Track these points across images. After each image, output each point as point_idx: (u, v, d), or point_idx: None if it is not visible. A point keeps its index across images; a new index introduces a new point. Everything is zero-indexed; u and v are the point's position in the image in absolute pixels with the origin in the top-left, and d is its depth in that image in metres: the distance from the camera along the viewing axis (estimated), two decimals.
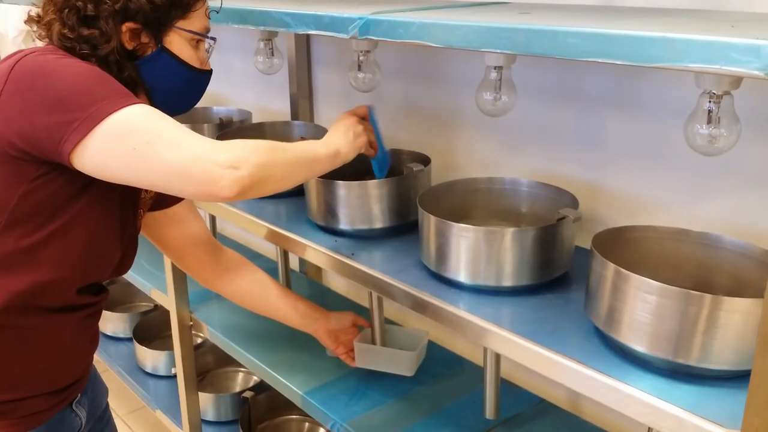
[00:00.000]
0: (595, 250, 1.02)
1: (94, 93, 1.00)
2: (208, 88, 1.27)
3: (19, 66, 1.04)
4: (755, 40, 0.70)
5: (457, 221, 1.17)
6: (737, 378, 0.92)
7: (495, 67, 1.25)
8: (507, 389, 1.55)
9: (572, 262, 1.24)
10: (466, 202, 1.40)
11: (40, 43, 1.18)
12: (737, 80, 0.93)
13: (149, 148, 0.98)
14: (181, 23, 1.16)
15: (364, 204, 1.39)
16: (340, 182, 1.38)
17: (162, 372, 2.44)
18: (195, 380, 2.10)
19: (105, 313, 2.61)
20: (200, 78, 1.23)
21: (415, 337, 1.63)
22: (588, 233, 1.16)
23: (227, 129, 1.90)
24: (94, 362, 1.35)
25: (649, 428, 1.12)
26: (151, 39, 1.15)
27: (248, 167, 1.00)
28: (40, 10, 1.16)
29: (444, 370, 1.66)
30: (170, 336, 2.07)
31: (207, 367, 2.43)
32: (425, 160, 1.48)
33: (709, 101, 0.97)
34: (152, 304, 2.79)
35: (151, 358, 2.45)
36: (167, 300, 2.02)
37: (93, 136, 0.98)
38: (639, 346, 0.95)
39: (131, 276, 2.25)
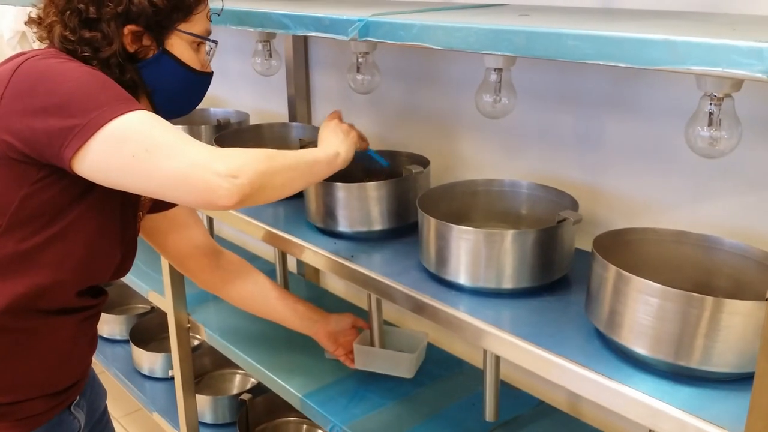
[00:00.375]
0: (596, 252, 1.02)
1: (95, 99, 1.00)
2: None
3: (21, 69, 1.03)
4: (758, 43, 0.70)
5: (457, 223, 1.17)
6: (739, 380, 0.92)
7: (495, 69, 1.25)
8: (506, 391, 1.55)
9: (572, 264, 1.23)
10: (466, 204, 1.40)
11: (36, 45, 1.17)
12: (738, 83, 0.93)
13: (148, 156, 0.98)
14: (182, 26, 1.16)
15: (363, 206, 1.39)
16: (339, 184, 1.38)
17: (159, 374, 2.43)
18: (192, 382, 2.09)
19: (102, 315, 2.60)
20: (201, 80, 1.23)
21: (414, 339, 1.63)
22: (588, 235, 1.16)
23: (225, 131, 1.90)
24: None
25: (650, 431, 1.12)
26: (153, 42, 1.14)
27: (247, 176, 1.00)
28: (40, 12, 1.16)
29: (443, 372, 1.66)
30: (167, 338, 2.07)
31: (204, 369, 2.42)
32: (424, 162, 1.48)
33: (710, 104, 0.97)
34: (149, 306, 2.78)
35: (148, 361, 2.44)
36: (164, 302, 2.02)
37: (93, 142, 0.98)
38: (640, 349, 0.95)
39: (128, 278, 2.24)
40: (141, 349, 2.44)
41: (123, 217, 1.20)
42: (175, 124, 1.07)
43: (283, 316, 1.57)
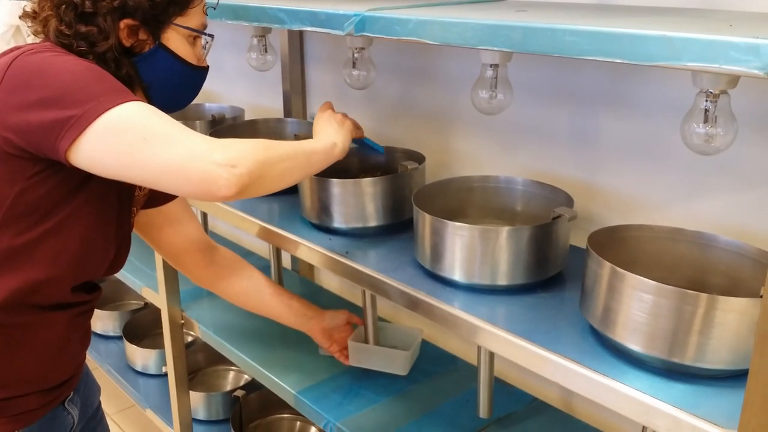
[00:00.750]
0: (591, 249, 1.02)
1: (92, 90, 0.99)
2: None
3: (17, 63, 1.03)
4: (755, 39, 0.70)
5: (452, 220, 1.17)
6: (732, 377, 0.92)
7: (491, 65, 1.24)
8: (500, 388, 1.55)
9: (567, 261, 1.23)
10: (461, 201, 1.40)
11: (31, 39, 1.17)
12: (734, 79, 0.93)
13: (145, 146, 0.98)
14: (178, 20, 1.16)
15: (358, 202, 1.38)
16: (334, 180, 1.37)
17: (152, 371, 2.43)
18: (186, 379, 2.09)
19: (95, 311, 2.59)
20: (197, 75, 1.23)
21: (409, 336, 1.63)
22: (583, 232, 1.16)
23: (220, 126, 1.89)
24: None
25: (643, 427, 1.12)
26: (149, 36, 1.14)
27: (246, 165, 0.99)
28: (35, 6, 1.15)
29: (438, 368, 1.66)
30: (161, 334, 2.06)
31: (198, 365, 2.42)
32: (420, 158, 1.48)
33: (706, 100, 0.97)
34: (142, 302, 2.77)
35: (141, 357, 2.44)
36: (158, 298, 2.01)
37: (89, 133, 0.97)
38: (634, 345, 0.95)
39: (122, 274, 2.24)
40: (134, 346, 2.43)
41: (118, 212, 1.19)
42: None
43: (277, 312, 1.56)
